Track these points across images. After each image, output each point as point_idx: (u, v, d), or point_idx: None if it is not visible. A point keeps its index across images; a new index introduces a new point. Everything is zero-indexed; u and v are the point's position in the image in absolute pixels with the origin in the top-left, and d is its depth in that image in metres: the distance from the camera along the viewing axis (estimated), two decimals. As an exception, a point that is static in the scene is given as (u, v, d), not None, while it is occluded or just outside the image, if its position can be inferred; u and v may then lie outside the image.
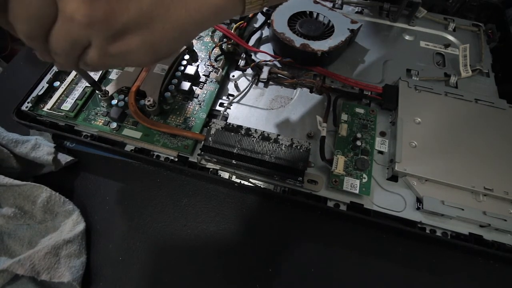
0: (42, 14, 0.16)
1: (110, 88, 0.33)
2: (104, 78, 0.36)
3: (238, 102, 0.36)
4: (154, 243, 0.30)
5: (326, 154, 0.31)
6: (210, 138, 0.29)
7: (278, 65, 0.38)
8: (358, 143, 0.31)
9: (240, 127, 0.29)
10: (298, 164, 0.28)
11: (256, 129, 0.29)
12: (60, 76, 0.36)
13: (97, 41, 0.17)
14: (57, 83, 0.35)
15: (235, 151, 0.28)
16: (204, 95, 0.35)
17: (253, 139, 0.29)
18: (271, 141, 0.29)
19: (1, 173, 0.29)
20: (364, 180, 0.30)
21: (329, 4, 0.42)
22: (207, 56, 0.38)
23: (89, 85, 0.35)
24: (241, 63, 0.38)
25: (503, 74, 0.39)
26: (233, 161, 0.28)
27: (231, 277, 0.28)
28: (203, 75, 0.37)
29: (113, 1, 0.16)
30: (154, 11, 0.17)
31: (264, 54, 0.38)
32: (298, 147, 0.28)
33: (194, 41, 0.39)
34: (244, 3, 0.20)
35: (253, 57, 0.38)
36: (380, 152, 0.32)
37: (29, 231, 0.29)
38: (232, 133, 0.29)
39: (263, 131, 0.29)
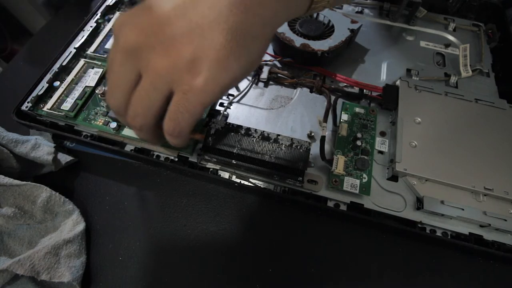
0: (125, 82, 0.20)
1: None
2: (103, 78, 0.36)
3: (238, 102, 0.36)
4: (154, 243, 0.30)
5: (326, 154, 0.31)
6: (210, 138, 0.29)
7: (278, 65, 0.38)
8: (358, 143, 0.31)
9: (240, 127, 0.29)
10: (298, 164, 0.28)
11: (256, 129, 0.29)
12: (60, 76, 0.36)
13: (177, 80, 0.19)
14: (57, 83, 0.35)
15: (235, 151, 0.28)
16: (204, 95, 0.35)
17: (253, 139, 0.29)
18: (271, 141, 0.29)
19: (1, 173, 0.29)
20: (364, 180, 0.30)
21: (329, 4, 0.41)
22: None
23: (90, 86, 0.35)
24: (241, 63, 0.38)
25: (503, 74, 0.39)
26: (233, 161, 0.28)
27: (231, 277, 0.28)
28: (203, 75, 0.37)
29: (179, 39, 0.18)
30: (215, 31, 0.18)
31: (264, 54, 0.38)
32: (298, 147, 0.28)
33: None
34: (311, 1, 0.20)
35: (253, 57, 0.38)
36: (380, 152, 0.32)
37: (29, 231, 0.29)
38: (232, 133, 0.29)
39: (263, 131, 0.29)
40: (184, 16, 0.18)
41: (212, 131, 0.29)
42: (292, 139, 0.29)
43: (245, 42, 0.19)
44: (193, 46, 0.18)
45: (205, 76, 0.18)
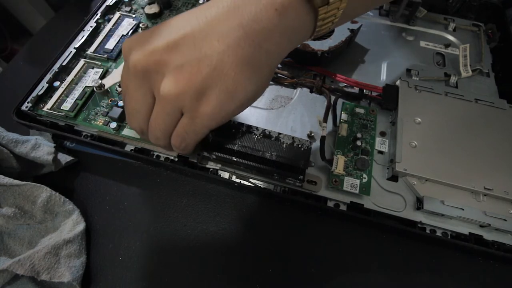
0: (143, 107, 0.21)
1: (106, 82, 0.32)
2: (103, 77, 0.36)
3: (238, 102, 0.36)
4: (154, 243, 0.30)
5: (326, 154, 0.31)
6: (210, 134, 0.28)
7: (278, 65, 0.38)
8: (358, 143, 0.31)
9: (241, 124, 0.29)
10: (299, 162, 0.28)
11: (257, 127, 0.29)
12: (60, 76, 0.36)
13: (186, 106, 0.20)
14: (57, 83, 0.35)
15: (235, 148, 0.28)
16: (204, 95, 0.35)
17: (254, 136, 0.29)
18: (272, 139, 0.29)
19: (1, 173, 0.29)
20: (364, 180, 0.30)
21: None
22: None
23: (90, 86, 0.35)
24: (241, 63, 0.38)
25: (503, 74, 0.39)
26: (234, 158, 0.28)
27: (231, 277, 0.28)
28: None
29: (188, 68, 0.19)
30: (224, 62, 0.19)
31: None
32: (299, 146, 0.28)
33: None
34: (314, 26, 0.21)
35: (253, 57, 0.38)
36: (380, 152, 0.32)
37: (29, 231, 0.29)
38: (233, 130, 0.29)
39: (265, 129, 0.29)
40: (194, 46, 0.19)
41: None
42: (293, 137, 0.29)
43: (252, 74, 0.20)
44: (202, 76, 0.19)
45: (213, 105, 0.19)
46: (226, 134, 0.29)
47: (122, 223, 0.31)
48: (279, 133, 0.29)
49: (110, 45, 0.38)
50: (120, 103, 0.33)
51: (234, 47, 0.18)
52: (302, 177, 0.28)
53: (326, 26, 0.21)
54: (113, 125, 0.33)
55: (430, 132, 0.31)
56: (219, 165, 0.31)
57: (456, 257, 0.29)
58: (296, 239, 0.30)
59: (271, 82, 0.37)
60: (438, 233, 0.29)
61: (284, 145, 0.28)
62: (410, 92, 0.34)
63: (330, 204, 0.30)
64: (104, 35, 0.39)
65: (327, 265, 0.29)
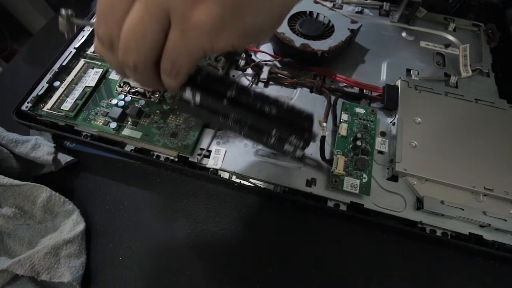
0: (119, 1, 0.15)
1: (79, 21, 0.24)
2: (104, 78, 0.36)
3: (238, 102, 0.36)
4: (154, 243, 0.30)
5: (326, 154, 0.31)
6: (199, 77, 0.21)
7: (278, 65, 0.38)
8: (358, 143, 0.31)
9: (234, 81, 0.23)
10: (303, 123, 0.22)
11: (254, 89, 0.23)
12: (60, 76, 0.36)
13: (176, 8, 0.15)
14: (57, 83, 0.35)
15: (228, 94, 0.22)
16: (204, 95, 0.35)
17: (251, 91, 0.22)
18: (270, 99, 0.22)
19: (1, 173, 0.29)
20: (364, 180, 0.30)
21: (329, 4, 0.42)
22: (207, 56, 0.38)
23: (90, 86, 0.35)
24: (241, 63, 0.38)
25: (503, 74, 0.39)
26: (224, 102, 0.22)
27: (231, 277, 0.28)
28: (203, 75, 0.36)
29: None
30: None
31: (264, 54, 0.38)
32: (301, 112, 0.23)
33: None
34: None
35: (253, 57, 0.38)
36: (380, 152, 0.32)
37: (29, 231, 0.29)
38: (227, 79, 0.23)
39: (262, 92, 0.23)
40: None
41: (203, 72, 0.22)
42: (293, 105, 0.23)
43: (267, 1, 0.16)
44: None
45: (212, 15, 0.14)
46: (219, 80, 0.22)
47: (122, 223, 0.31)
48: (277, 98, 0.22)
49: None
50: (120, 103, 0.33)
51: None
52: (309, 135, 0.22)
53: None
54: (113, 125, 0.33)
55: (430, 132, 0.31)
56: (204, 113, 0.23)
57: (456, 257, 0.29)
58: (296, 239, 0.30)
59: (271, 82, 0.37)
60: (438, 233, 0.29)
61: (285, 106, 0.22)
62: (410, 92, 0.34)
63: (330, 204, 0.30)
64: (104, 35, 0.39)
65: (327, 265, 0.29)
